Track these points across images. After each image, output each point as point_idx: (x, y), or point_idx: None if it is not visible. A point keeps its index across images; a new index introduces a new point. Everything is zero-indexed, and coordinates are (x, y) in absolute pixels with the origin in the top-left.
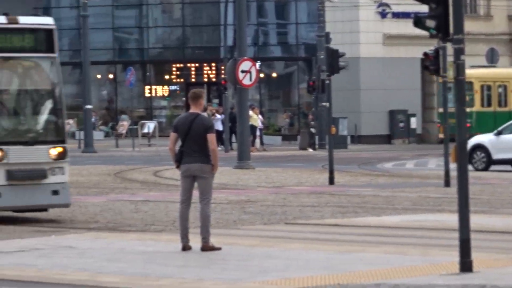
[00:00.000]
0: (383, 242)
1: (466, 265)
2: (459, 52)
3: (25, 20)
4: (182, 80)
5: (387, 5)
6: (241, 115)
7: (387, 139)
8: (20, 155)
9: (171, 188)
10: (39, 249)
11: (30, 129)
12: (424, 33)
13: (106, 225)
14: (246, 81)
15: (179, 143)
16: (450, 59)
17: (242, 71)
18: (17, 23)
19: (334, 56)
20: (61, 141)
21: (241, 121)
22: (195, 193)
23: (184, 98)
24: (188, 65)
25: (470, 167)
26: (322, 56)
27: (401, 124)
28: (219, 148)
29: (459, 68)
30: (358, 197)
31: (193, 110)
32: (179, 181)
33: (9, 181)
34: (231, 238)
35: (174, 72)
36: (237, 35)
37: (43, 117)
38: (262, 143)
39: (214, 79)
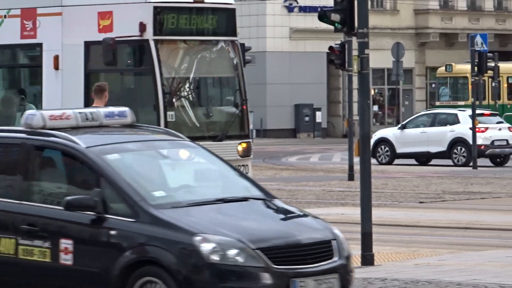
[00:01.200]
0: None
1: (367, 259)
2: (363, 46)
3: None
4: None
5: None
6: None
7: (292, 133)
8: None
9: None
10: None
11: (219, 122)
12: (331, 27)
13: None
14: None
15: None
16: (355, 53)
17: None
18: (202, 1)
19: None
20: (246, 136)
21: None
22: None
23: None
24: None
25: (374, 161)
26: None
27: (306, 118)
28: None
29: (363, 62)
30: None
31: (96, 104)
32: None
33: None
34: None
35: None
36: None
37: (230, 108)
38: None
39: None
